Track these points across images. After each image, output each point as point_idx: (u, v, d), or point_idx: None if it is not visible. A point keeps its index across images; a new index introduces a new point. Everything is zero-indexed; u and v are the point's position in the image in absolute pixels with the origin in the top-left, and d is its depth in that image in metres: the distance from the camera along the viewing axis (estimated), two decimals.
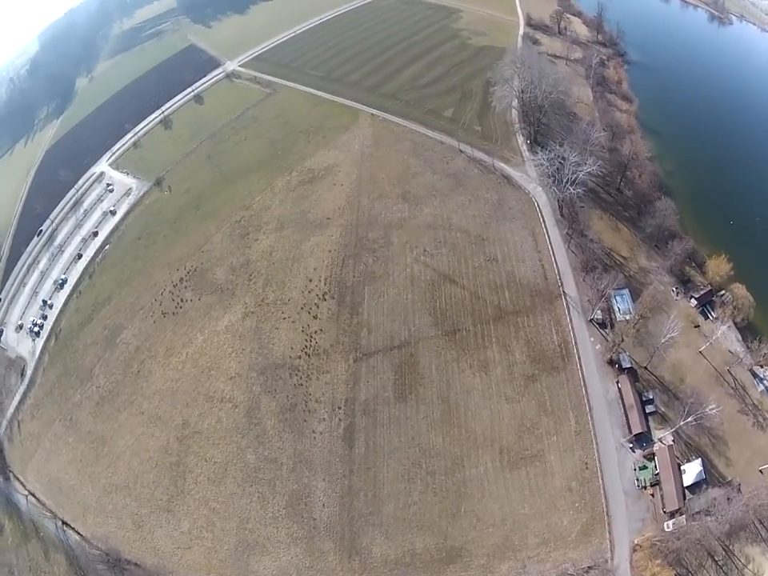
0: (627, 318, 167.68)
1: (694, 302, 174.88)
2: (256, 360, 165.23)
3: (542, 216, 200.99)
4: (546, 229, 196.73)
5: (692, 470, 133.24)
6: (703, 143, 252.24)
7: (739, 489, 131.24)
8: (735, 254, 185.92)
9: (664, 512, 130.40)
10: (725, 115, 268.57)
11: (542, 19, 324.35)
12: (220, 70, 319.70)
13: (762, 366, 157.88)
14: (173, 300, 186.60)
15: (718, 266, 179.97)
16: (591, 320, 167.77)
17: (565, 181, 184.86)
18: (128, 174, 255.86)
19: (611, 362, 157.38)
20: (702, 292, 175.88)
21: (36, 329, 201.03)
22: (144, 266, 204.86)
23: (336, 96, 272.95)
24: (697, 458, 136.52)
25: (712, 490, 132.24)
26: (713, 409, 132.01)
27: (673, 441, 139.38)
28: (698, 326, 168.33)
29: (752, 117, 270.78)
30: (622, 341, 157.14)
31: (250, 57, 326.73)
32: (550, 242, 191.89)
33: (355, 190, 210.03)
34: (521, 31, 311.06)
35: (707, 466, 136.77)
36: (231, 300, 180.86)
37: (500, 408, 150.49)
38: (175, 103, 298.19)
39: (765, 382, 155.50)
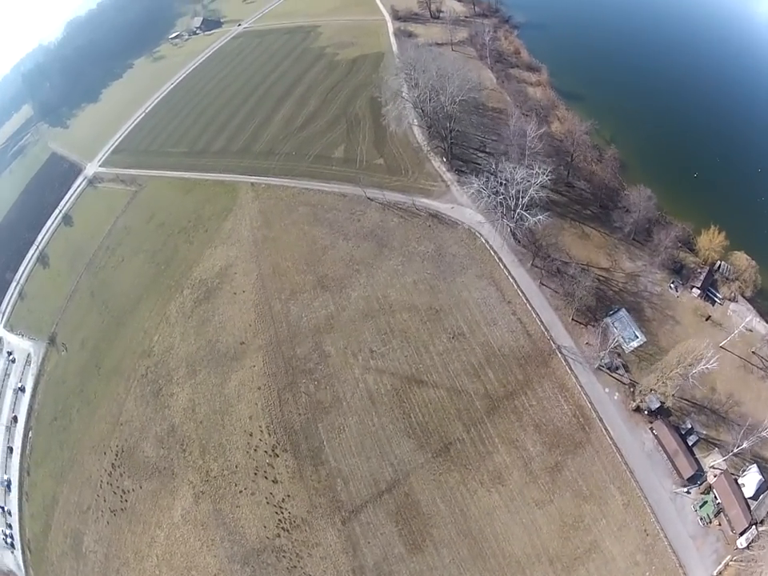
0: (635, 344, 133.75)
1: (696, 291, 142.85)
2: (232, 550, 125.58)
3: (494, 253, 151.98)
4: (507, 269, 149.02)
5: (751, 481, 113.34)
6: (629, 92, 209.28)
7: None
8: (716, 213, 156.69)
9: (733, 532, 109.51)
10: (639, 52, 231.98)
11: (410, 8, 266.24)
12: (82, 177, 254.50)
13: None
14: (114, 493, 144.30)
15: (710, 241, 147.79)
16: (599, 367, 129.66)
17: (514, 207, 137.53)
18: (22, 335, 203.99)
19: (638, 409, 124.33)
20: (701, 276, 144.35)
21: (9, 540, 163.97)
22: (72, 454, 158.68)
23: (206, 172, 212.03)
24: (751, 464, 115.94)
25: None
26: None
27: (725, 463, 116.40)
28: (709, 317, 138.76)
29: (665, 43, 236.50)
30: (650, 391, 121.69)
31: (109, 151, 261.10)
32: (518, 286, 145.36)
33: (261, 295, 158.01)
34: (390, 28, 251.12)
35: (762, 466, 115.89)
36: (174, 482, 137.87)
37: (533, 518, 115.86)
38: (47, 232, 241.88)
39: None
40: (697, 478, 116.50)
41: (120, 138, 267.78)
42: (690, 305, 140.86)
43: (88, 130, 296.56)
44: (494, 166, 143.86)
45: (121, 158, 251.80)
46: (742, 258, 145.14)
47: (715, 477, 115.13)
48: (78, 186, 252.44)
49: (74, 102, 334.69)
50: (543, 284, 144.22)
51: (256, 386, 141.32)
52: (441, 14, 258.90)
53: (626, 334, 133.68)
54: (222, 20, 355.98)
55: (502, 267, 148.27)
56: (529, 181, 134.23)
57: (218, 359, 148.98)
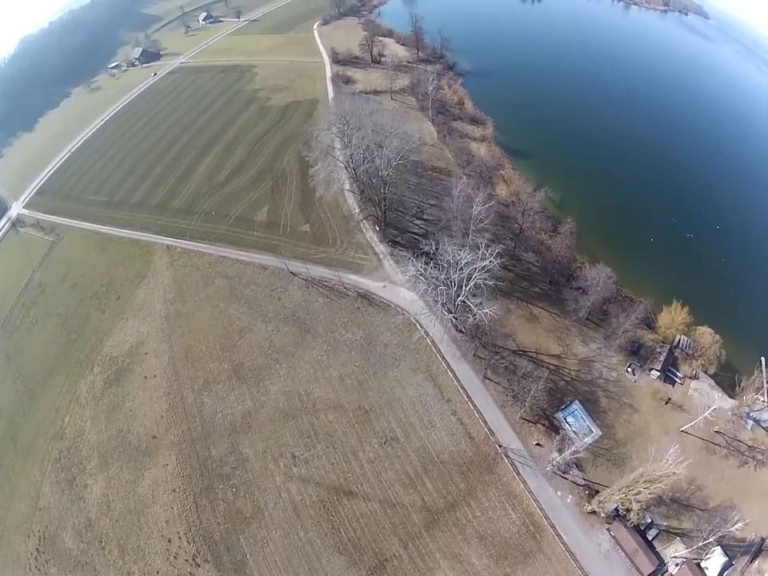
0: (589, 440, 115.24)
1: (655, 373, 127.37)
2: None
3: (432, 343, 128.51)
4: (446, 361, 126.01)
5: (715, 564, 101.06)
6: (579, 149, 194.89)
7: (762, 542, 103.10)
8: (675, 283, 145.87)
9: None
10: (590, 105, 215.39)
11: (351, 51, 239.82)
12: (6, 218, 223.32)
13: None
14: None
15: (673, 318, 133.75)
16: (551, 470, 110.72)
17: (456, 295, 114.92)
18: None
19: (594, 512, 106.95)
20: (661, 357, 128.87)
21: None
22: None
23: (122, 228, 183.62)
24: (714, 545, 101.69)
25: (738, 560, 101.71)
26: (738, 524, 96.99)
27: (686, 551, 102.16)
28: (669, 399, 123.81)
29: (619, 94, 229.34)
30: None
31: (34, 191, 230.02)
32: (458, 381, 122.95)
33: (173, 382, 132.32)
34: (328, 72, 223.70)
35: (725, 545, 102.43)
36: None
37: None
38: None
39: (751, 415, 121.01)
40: (657, 572, 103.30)
41: (45, 177, 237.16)
42: (649, 388, 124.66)
43: (20, 162, 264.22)
44: (433, 246, 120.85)
45: (44, 200, 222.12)
46: (705, 334, 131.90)
47: (677, 566, 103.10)
48: (2, 228, 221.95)
49: (11, 129, 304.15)
50: (487, 378, 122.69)
51: (170, 488, 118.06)
52: (383, 59, 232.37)
53: (579, 429, 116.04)
54: (161, 52, 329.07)
55: (440, 359, 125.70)
56: (474, 266, 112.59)
57: (130, 452, 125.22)
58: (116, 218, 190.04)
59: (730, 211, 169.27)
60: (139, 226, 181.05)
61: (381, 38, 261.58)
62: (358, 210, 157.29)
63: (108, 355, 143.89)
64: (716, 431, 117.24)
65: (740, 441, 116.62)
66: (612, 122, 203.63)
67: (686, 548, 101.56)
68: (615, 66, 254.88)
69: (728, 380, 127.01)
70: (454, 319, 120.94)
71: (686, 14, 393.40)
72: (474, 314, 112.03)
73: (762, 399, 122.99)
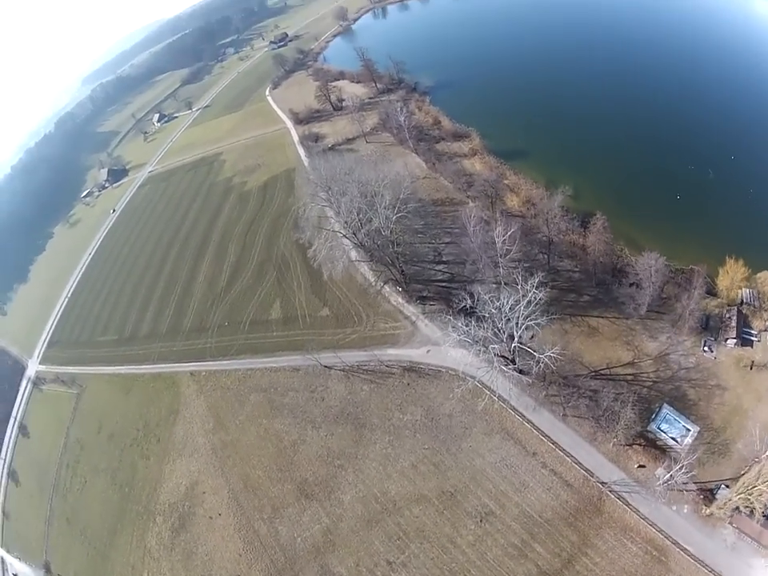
0: (690, 439, 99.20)
1: (731, 343, 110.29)
2: None
3: (498, 398, 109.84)
4: (519, 413, 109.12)
5: None
6: (569, 127, 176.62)
7: None
8: (722, 235, 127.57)
9: None
10: (567, 77, 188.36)
11: (309, 106, 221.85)
12: (26, 377, 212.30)
13: None
14: None
15: (732, 278, 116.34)
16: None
17: (508, 343, 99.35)
18: (20, 559, 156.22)
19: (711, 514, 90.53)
20: (732, 323, 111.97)
21: None
22: None
23: (141, 364, 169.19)
24: None
25: None
26: None
27: None
28: (752, 363, 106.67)
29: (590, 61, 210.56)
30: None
31: (45, 344, 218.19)
32: (538, 429, 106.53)
33: (240, 517, 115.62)
34: (295, 136, 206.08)
35: None
36: None
37: None
38: (9, 445, 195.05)
39: None
40: None
41: (52, 328, 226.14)
42: (730, 360, 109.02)
43: (23, 316, 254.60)
44: (467, 300, 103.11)
45: (56, 352, 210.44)
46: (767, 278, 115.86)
47: None
48: (25, 390, 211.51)
49: (6, 284, 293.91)
50: (567, 415, 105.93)
51: None
52: (343, 103, 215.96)
53: (675, 432, 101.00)
54: (127, 167, 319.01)
55: (513, 413, 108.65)
56: (519, 307, 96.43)
57: None
58: (131, 354, 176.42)
59: (737, 137, 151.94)
60: (156, 357, 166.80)
61: (335, 83, 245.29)
62: (373, 278, 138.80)
63: (166, 503, 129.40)
64: None
65: None
66: (593, 89, 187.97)
67: None
68: (579, 34, 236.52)
69: None
70: (516, 371, 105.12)
71: None
72: (538, 360, 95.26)
73: None
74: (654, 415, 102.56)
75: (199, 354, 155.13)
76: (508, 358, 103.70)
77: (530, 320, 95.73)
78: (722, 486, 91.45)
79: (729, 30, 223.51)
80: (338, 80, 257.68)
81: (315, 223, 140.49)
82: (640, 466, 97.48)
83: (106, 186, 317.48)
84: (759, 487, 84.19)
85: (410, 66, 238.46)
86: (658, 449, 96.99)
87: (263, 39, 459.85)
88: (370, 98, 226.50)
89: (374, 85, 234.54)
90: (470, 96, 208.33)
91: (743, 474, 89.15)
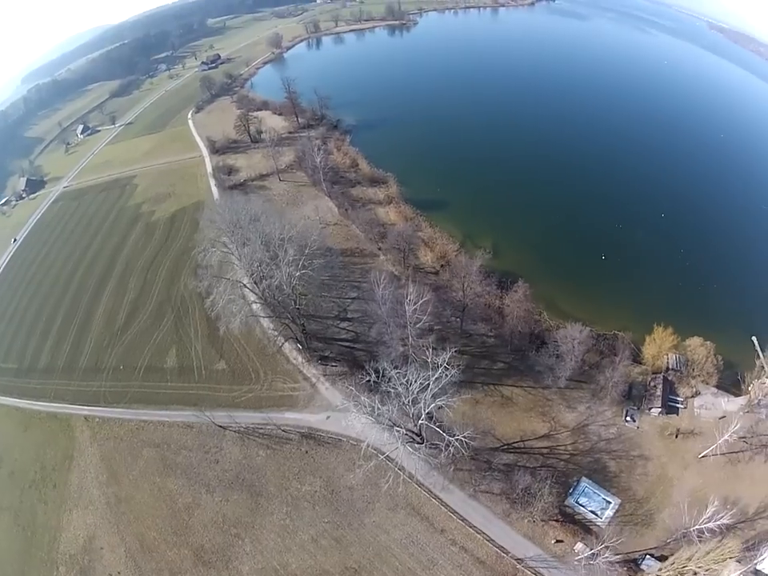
0: (611, 512, 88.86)
1: (655, 411, 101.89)
2: None
3: (402, 471, 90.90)
4: (425, 488, 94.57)
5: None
6: (494, 181, 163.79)
7: None
8: (649, 297, 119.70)
9: None
10: (490, 124, 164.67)
11: (228, 135, 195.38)
12: None
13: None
14: None
15: (660, 346, 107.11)
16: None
17: (415, 416, 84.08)
18: None
19: None
20: (657, 391, 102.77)
21: None
22: None
23: (38, 400, 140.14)
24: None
25: None
26: None
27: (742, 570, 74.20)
28: (678, 431, 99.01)
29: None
30: None
31: None
32: (445, 505, 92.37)
33: None
34: (209, 167, 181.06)
35: None
36: None
37: None
38: None
39: (762, 403, 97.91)
40: None
41: None
42: (654, 429, 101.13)
43: None
44: (372, 374, 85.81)
45: None
46: (697, 348, 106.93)
47: None
48: None
49: None
50: (478, 490, 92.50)
51: None
52: (262, 135, 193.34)
53: (595, 506, 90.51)
54: (45, 178, 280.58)
55: (418, 488, 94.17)
56: (428, 387, 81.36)
57: None
58: (29, 387, 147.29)
59: (668, 196, 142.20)
60: (53, 395, 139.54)
61: (256, 113, 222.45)
62: (273, 334, 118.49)
63: (67, 553, 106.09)
64: (742, 439, 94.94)
65: (760, 434, 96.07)
66: (521, 145, 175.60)
67: (742, 566, 77.94)
68: (503, 77, 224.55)
69: (730, 378, 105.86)
70: (424, 449, 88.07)
71: (553, 0, 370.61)
72: (447, 443, 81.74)
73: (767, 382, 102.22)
74: (571, 489, 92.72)
75: (94, 397, 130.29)
76: (415, 434, 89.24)
77: (440, 400, 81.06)
78: (647, 556, 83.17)
79: (660, 88, 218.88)
80: (261, 110, 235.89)
81: (216, 270, 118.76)
82: (558, 541, 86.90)
83: (23, 196, 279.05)
84: (690, 567, 76.00)
85: (336, 102, 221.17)
86: (576, 523, 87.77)
87: (195, 59, 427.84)
88: (290, 133, 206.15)
89: (295, 119, 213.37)
90: (392, 138, 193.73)
91: (668, 544, 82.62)
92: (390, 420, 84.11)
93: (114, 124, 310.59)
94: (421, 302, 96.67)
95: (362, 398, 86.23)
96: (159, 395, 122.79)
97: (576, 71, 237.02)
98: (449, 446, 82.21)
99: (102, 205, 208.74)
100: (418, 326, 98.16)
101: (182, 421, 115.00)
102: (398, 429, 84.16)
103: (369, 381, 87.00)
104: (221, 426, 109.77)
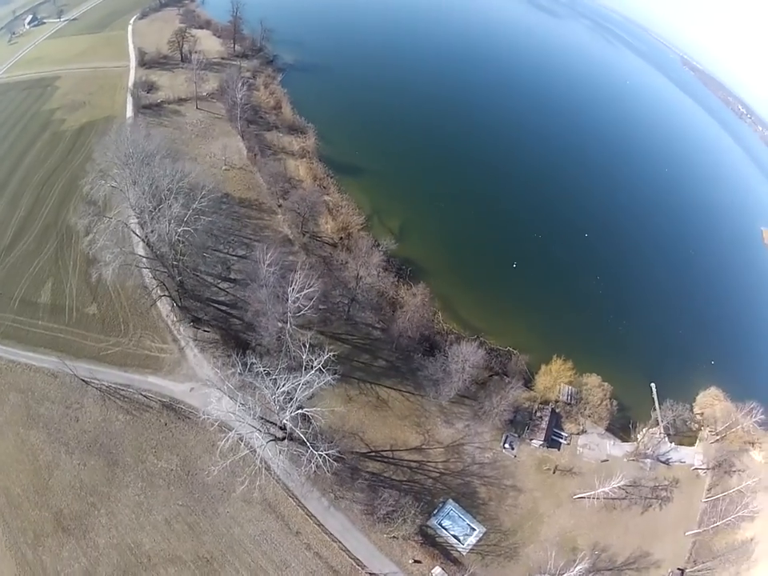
0: (474, 539, 75.70)
1: (536, 443, 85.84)
2: None
3: (261, 462, 70.92)
4: (283, 485, 77.76)
5: None
6: (420, 160, 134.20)
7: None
8: (552, 322, 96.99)
9: None
10: (432, 100, 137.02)
11: (160, 49, 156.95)
12: None
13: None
14: None
15: (554, 380, 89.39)
16: None
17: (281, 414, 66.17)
18: None
19: None
20: (543, 425, 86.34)
21: None
22: None
23: None
24: None
25: None
26: None
27: None
28: (556, 467, 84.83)
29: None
30: None
31: None
32: (303, 506, 76.78)
33: (9, 536, 73.34)
34: (131, 80, 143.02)
35: None
36: None
37: None
38: None
39: (649, 453, 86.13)
40: None
41: None
42: (532, 461, 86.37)
43: None
44: (239, 366, 67.28)
45: None
46: (594, 388, 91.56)
47: None
48: None
49: None
50: (338, 497, 77.17)
51: None
52: (191, 56, 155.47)
53: (458, 531, 77.30)
54: None
55: (276, 484, 77.23)
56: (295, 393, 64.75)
57: None
58: None
59: (595, 216, 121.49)
60: None
61: (196, 32, 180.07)
62: (150, 277, 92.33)
63: None
64: (622, 488, 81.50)
65: (641, 485, 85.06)
66: (457, 130, 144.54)
67: None
68: (465, 57, 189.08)
69: (620, 421, 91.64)
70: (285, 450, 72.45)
71: None
72: (311, 456, 65.56)
73: (658, 433, 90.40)
74: (436, 510, 79.17)
75: None
76: (280, 428, 71.66)
77: (307, 409, 65.70)
78: None
79: (616, 106, 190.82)
80: (203, 28, 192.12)
81: (101, 205, 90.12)
82: (416, 561, 74.13)
83: None
84: None
85: (280, 37, 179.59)
86: (437, 546, 74.85)
87: None
88: (223, 59, 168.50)
89: (232, 45, 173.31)
90: (325, 87, 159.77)
91: None
92: (253, 412, 66.18)
93: (59, 18, 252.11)
94: (306, 290, 73.29)
95: (227, 384, 67.89)
96: (30, 334, 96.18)
97: (537, 66, 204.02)
98: (311, 460, 65.35)
99: (20, 105, 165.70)
100: (299, 314, 75.37)
101: (47, 367, 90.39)
102: (263, 423, 68.00)
103: (234, 372, 67.85)
104: (84, 381, 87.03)
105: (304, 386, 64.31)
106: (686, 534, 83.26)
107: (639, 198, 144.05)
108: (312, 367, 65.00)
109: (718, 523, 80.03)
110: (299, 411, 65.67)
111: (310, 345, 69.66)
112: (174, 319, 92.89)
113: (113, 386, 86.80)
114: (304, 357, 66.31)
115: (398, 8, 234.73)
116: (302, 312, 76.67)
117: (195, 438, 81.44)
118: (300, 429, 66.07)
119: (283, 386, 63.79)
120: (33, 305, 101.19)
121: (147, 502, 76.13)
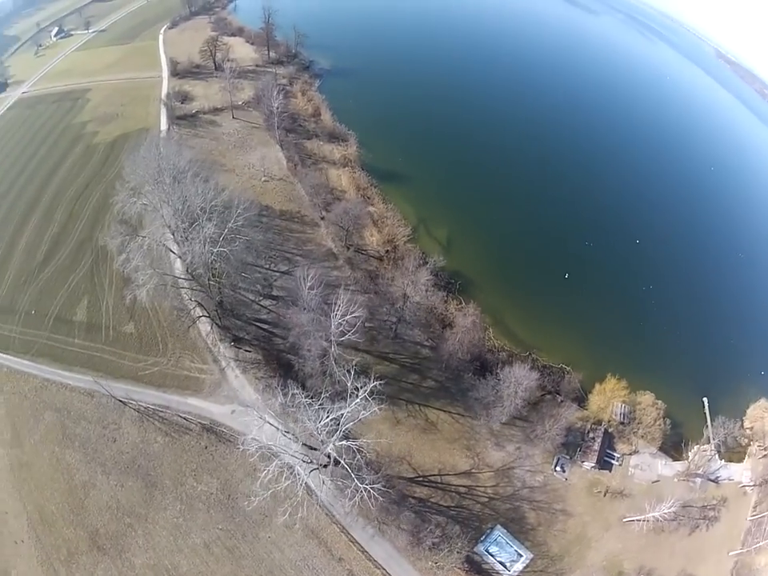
0: (521, 566, 71.39)
1: (588, 465, 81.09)
2: None
3: (305, 488, 65.60)
4: (327, 511, 73.58)
5: None
6: (471, 172, 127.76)
7: None
8: (612, 338, 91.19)
9: None
10: (477, 105, 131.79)
11: (192, 59, 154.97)
12: None
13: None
14: None
15: (608, 399, 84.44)
16: None
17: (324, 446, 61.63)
18: None
19: None
20: (595, 446, 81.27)
21: None
22: None
23: None
24: None
25: None
26: None
27: None
28: (607, 490, 79.51)
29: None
30: None
31: None
32: (347, 532, 72.00)
33: (41, 552, 72.48)
34: (164, 90, 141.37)
35: None
36: None
37: None
38: None
39: (699, 473, 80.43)
40: None
41: None
42: (583, 483, 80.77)
43: None
44: (280, 394, 64.38)
45: None
46: (647, 407, 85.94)
47: None
48: None
49: None
50: (383, 523, 71.66)
51: None
52: (225, 64, 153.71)
53: (505, 557, 72.10)
54: (9, 81, 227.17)
55: (320, 509, 73.22)
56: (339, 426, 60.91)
57: None
58: None
59: (646, 221, 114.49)
60: None
61: (228, 39, 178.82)
62: (192, 301, 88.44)
63: None
64: (673, 512, 74.36)
65: (690, 506, 79.04)
66: (505, 140, 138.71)
67: None
68: (506, 59, 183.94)
69: (672, 439, 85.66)
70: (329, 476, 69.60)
71: None
72: (356, 489, 61.16)
73: (708, 450, 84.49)
74: (483, 536, 74.55)
75: (4, 343, 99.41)
76: (324, 458, 68.28)
77: (352, 442, 60.97)
78: None
79: (659, 104, 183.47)
80: (235, 36, 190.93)
81: (135, 223, 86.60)
82: None
83: None
84: None
85: (314, 42, 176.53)
86: (482, 573, 70.54)
87: None
88: (258, 66, 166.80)
89: (266, 52, 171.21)
90: (365, 93, 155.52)
91: None
92: (297, 439, 64.35)
93: (87, 29, 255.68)
94: (349, 316, 68.49)
95: (269, 411, 66.06)
96: (65, 353, 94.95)
97: (580, 66, 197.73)
98: (357, 493, 60.83)
99: (51, 117, 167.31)
100: (342, 339, 70.60)
101: (83, 387, 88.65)
102: (306, 450, 65.37)
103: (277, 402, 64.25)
104: (121, 401, 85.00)
105: (348, 417, 60.14)
106: (729, 554, 77.79)
107: (687, 199, 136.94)
108: (357, 395, 60.50)
109: (761, 543, 74.53)
110: (344, 443, 60.87)
111: (355, 371, 65.45)
112: (214, 339, 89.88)
113: (151, 407, 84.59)
114: (349, 384, 62.00)
115: (435, 10, 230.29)
116: (347, 336, 71.75)
117: (236, 461, 78.32)
118: (345, 459, 61.53)
119: (327, 417, 59.57)
120: (68, 323, 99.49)
121: (186, 525, 73.46)
